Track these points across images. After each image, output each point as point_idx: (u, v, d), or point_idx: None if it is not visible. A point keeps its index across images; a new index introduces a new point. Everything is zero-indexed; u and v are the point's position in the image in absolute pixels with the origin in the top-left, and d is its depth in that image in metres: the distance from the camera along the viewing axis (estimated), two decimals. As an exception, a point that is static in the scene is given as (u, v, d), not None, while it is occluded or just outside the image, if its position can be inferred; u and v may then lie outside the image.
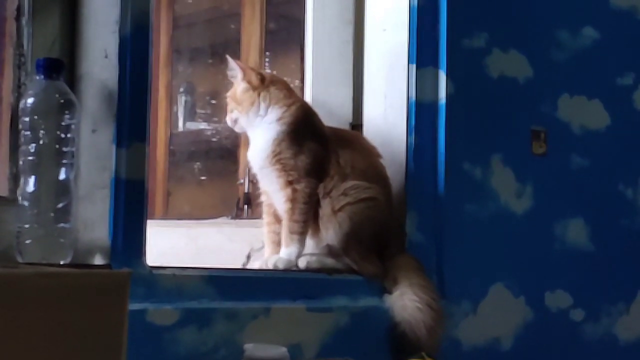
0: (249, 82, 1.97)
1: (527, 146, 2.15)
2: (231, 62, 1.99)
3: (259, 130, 1.96)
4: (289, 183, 1.91)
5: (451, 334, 1.97)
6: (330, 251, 1.93)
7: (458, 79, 2.05)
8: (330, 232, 1.91)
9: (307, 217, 1.91)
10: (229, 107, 1.99)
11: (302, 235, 1.90)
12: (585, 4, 2.27)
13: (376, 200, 1.94)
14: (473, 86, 2.08)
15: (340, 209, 1.91)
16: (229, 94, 2.01)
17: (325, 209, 1.92)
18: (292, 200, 1.91)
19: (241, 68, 1.98)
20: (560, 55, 2.21)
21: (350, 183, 1.93)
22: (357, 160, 1.96)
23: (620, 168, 2.30)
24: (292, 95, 1.98)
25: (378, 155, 2.01)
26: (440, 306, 1.87)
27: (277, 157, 1.91)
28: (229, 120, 1.99)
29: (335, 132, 2.02)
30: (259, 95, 1.96)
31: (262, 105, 1.95)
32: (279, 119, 1.94)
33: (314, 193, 1.91)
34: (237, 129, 1.99)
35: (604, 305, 2.24)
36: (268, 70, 3.65)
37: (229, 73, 2.01)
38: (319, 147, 1.93)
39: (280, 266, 1.87)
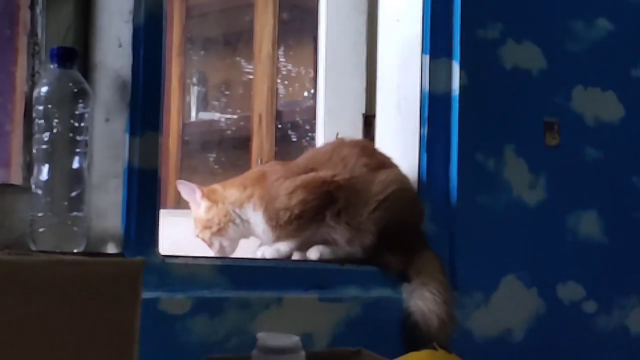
0: (208, 198, 1.93)
1: (540, 137, 2.15)
2: (183, 186, 1.95)
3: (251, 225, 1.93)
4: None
5: (463, 325, 1.97)
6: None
7: (471, 70, 2.04)
8: (356, 246, 1.91)
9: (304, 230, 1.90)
10: (206, 237, 1.94)
11: (297, 238, 1.91)
12: (599, -5, 2.26)
13: (387, 201, 1.92)
14: (487, 77, 2.08)
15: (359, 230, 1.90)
16: (197, 228, 1.95)
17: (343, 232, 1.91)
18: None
19: (196, 187, 1.94)
20: (574, 47, 2.21)
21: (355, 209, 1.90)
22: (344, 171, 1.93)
23: (634, 160, 2.29)
24: (247, 183, 1.93)
25: (368, 155, 1.97)
26: (453, 307, 1.87)
27: (275, 223, 1.89)
28: (215, 250, 1.93)
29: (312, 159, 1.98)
30: (225, 205, 1.92)
31: (237, 213, 1.92)
32: (254, 210, 1.91)
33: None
34: (229, 253, 1.94)
35: (617, 297, 2.23)
36: (282, 59, 3.65)
37: (185, 197, 1.96)
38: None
39: (268, 256, 1.88)
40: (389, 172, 1.94)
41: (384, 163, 1.96)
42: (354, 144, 1.99)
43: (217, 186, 1.96)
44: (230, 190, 1.93)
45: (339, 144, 2.00)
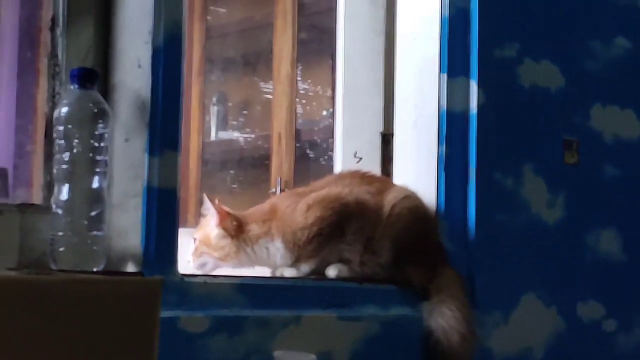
0: (225, 229, 1.89)
1: (559, 156, 2.15)
2: (207, 202, 1.90)
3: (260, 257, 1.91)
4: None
5: (483, 344, 1.96)
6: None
7: (489, 88, 2.05)
8: (370, 268, 1.92)
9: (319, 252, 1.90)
10: (199, 250, 1.89)
11: (317, 258, 1.91)
12: (617, 14, 2.25)
13: (393, 215, 1.92)
14: (504, 96, 2.08)
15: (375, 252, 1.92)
16: (198, 236, 1.90)
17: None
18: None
19: (218, 212, 1.88)
20: (592, 65, 2.21)
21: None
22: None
23: (653, 178, 2.28)
24: (265, 217, 1.91)
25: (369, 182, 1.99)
26: (473, 324, 1.87)
27: (293, 245, 1.89)
28: (196, 263, 1.88)
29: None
30: (240, 241, 1.89)
31: (248, 250, 1.89)
32: (272, 241, 1.89)
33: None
34: (203, 271, 1.88)
35: (637, 315, 2.22)
36: (300, 79, 3.66)
37: (203, 211, 1.93)
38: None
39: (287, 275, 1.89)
40: (393, 192, 1.95)
41: (384, 187, 1.97)
42: (352, 174, 2.01)
43: (238, 216, 1.91)
44: (252, 225, 1.90)
45: (339, 176, 2.02)
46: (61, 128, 1.54)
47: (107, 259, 1.60)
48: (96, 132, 1.55)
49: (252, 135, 4.02)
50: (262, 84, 3.98)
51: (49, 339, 1.13)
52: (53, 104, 1.70)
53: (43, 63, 1.74)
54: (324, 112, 3.65)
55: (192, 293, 1.66)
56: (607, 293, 2.18)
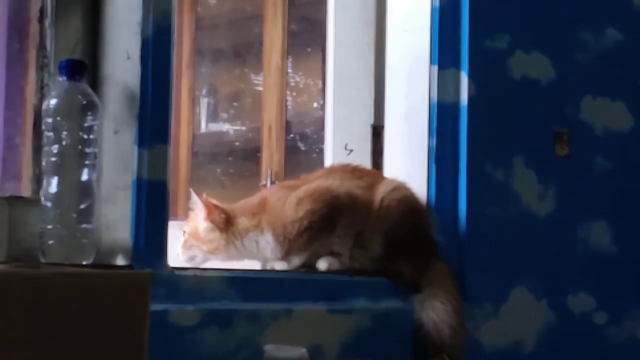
0: (213, 223, 1.88)
1: (549, 148, 2.14)
2: (194, 196, 1.90)
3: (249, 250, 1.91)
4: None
5: (473, 337, 1.97)
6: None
7: (480, 80, 2.04)
8: (360, 262, 1.92)
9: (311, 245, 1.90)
10: (188, 243, 1.88)
11: (307, 251, 1.90)
12: (608, 5, 2.25)
13: (383, 208, 1.92)
14: (495, 87, 2.08)
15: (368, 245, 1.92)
16: (187, 229, 1.89)
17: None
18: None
19: (205, 206, 1.88)
20: (583, 57, 2.20)
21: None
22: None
23: (643, 170, 2.28)
24: (255, 211, 1.91)
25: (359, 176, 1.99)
26: (464, 317, 1.87)
27: (283, 238, 1.88)
28: (185, 256, 1.87)
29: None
30: (229, 234, 1.88)
31: (237, 243, 1.88)
32: (262, 234, 1.89)
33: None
34: (192, 264, 1.87)
35: (627, 308, 2.22)
36: (291, 71, 3.66)
37: (190, 205, 1.93)
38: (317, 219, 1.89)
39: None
40: (383, 185, 1.95)
41: (375, 181, 1.97)
42: (343, 168, 2.00)
43: (226, 209, 1.90)
44: (241, 219, 1.89)
45: (330, 169, 2.02)
46: (50, 120, 1.54)
47: (97, 252, 1.59)
48: (85, 124, 1.55)
49: (243, 128, 4.02)
50: (252, 76, 3.98)
51: (38, 332, 1.12)
52: (42, 96, 1.69)
53: (32, 55, 1.73)
54: (315, 104, 3.65)
55: (182, 286, 1.66)
56: (598, 285, 2.18)
